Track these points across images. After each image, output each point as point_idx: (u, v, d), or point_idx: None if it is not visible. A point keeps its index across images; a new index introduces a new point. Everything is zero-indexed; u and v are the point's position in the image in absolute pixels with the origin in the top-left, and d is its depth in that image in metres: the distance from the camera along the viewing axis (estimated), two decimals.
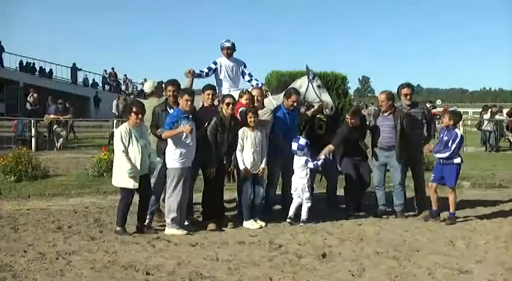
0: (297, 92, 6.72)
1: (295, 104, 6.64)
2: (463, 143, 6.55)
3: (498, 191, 9.09)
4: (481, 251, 5.21)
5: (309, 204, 6.46)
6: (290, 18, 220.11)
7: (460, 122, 17.29)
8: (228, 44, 7.26)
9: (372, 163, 7.06)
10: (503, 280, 4.37)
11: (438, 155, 6.45)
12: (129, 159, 5.71)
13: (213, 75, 7.34)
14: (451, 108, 27.05)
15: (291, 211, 6.48)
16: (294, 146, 6.41)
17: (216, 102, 6.62)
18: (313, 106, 7.07)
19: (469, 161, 12.35)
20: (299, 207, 6.51)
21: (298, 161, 6.46)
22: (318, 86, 6.92)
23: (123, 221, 5.91)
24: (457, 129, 6.45)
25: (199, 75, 7.13)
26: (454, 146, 6.27)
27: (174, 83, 6.35)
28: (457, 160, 6.38)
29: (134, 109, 5.79)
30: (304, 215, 6.46)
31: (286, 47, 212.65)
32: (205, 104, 6.46)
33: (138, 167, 5.74)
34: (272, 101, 6.96)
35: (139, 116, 5.77)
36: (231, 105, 6.18)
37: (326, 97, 6.90)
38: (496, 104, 22.85)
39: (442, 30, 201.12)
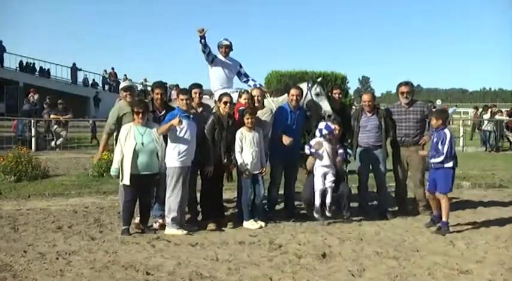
0: (297, 87, 6.71)
1: (294, 98, 6.59)
2: (454, 142, 6.04)
3: (498, 191, 9.07)
4: (481, 251, 5.21)
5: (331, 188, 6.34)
6: (290, 18, 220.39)
7: (460, 122, 17.56)
8: (226, 43, 7.21)
9: (356, 164, 7.05)
10: (503, 280, 4.37)
11: (433, 160, 5.99)
12: (118, 158, 5.76)
13: (208, 74, 7.26)
14: (451, 109, 27.11)
15: (317, 201, 6.30)
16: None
17: (212, 102, 6.62)
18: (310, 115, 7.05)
19: (469, 161, 12.42)
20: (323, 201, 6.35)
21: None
22: (317, 94, 6.83)
23: (125, 221, 5.91)
24: (446, 130, 5.99)
25: (205, 44, 6.82)
26: (445, 148, 5.86)
27: (161, 85, 6.40)
28: (448, 165, 5.91)
29: (135, 109, 5.89)
30: (328, 199, 6.32)
31: (286, 47, 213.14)
32: (193, 103, 6.42)
33: (129, 164, 5.73)
34: (271, 104, 6.93)
35: (140, 115, 5.84)
36: (228, 104, 6.19)
37: (324, 105, 6.83)
38: (495, 104, 22.87)
39: (442, 30, 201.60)
